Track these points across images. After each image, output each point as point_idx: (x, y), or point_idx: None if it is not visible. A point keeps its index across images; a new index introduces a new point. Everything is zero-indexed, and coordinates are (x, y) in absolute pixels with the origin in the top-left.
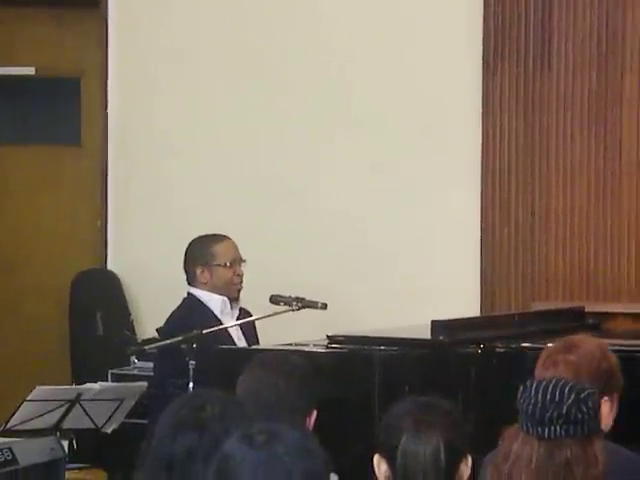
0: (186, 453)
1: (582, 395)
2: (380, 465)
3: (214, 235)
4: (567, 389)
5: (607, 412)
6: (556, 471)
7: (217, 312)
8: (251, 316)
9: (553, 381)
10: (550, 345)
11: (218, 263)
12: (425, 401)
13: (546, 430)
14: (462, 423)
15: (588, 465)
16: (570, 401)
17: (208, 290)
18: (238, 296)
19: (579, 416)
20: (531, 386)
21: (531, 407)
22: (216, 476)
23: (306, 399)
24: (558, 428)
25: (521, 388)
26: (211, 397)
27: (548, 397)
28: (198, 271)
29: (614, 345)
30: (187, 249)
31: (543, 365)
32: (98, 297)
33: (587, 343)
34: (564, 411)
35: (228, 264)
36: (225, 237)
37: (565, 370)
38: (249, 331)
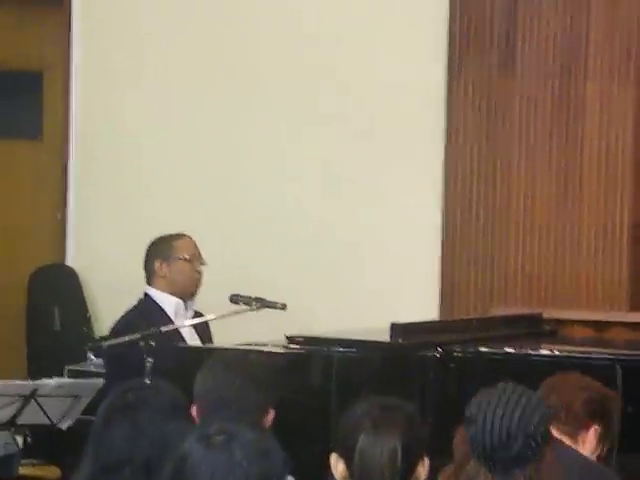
0: (121, 435)
1: (530, 430)
2: (337, 465)
3: (175, 233)
4: (514, 427)
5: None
6: None
7: (171, 314)
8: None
9: (500, 413)
10: None
11: (178, 256)
12: (384, 402)
13: (497, 466)
14: (420, 425)
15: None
16: (520, 442)
17: (165, 286)
18: (196, 292)
19: (529, 453)
20: (477, 417)
21: (479, 442)
22: (173, 475)
23: (264, 398)
24: (510, 465)
25: (467, 413)
26: (136, 382)
27: (496, 439)
28: (157, 264)
29: (570, 352)
30: (148, 248)
31: None
32: (56, 292)
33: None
34: (514, 454)
35: (187, 257)
36: (185, 235)
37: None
38: (204, 332)
